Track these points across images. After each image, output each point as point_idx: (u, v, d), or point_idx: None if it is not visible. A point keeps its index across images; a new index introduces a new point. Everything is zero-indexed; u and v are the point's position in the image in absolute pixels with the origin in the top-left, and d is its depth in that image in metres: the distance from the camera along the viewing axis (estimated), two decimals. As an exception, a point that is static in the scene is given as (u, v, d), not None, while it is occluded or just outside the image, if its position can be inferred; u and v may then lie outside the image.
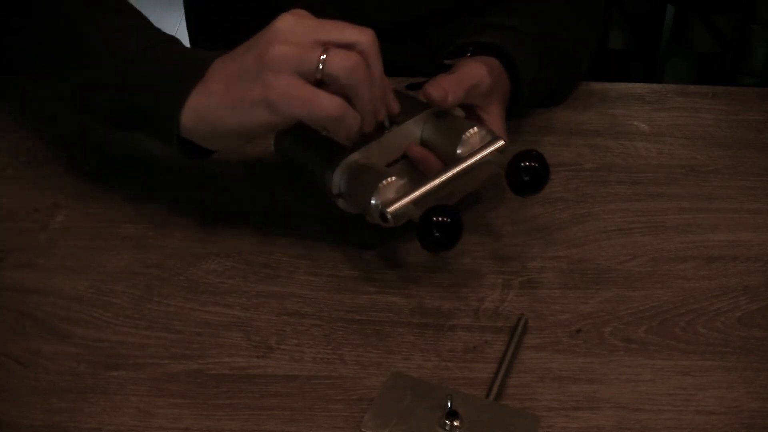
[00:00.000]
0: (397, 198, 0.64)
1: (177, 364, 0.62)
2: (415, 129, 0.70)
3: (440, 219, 0.60)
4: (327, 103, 0.61)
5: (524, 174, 0.64)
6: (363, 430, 0.56)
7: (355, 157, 0.67)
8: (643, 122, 0.86)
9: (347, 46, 0.62)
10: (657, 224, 0.74)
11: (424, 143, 0.70)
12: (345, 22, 0.63)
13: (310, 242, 0.72)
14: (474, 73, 0.71)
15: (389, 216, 0.63)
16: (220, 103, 0.64)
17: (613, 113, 0.88)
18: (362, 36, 0.62)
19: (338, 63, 0.61)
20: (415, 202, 0.64)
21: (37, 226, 0.74)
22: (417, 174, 0.68)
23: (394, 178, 0.64)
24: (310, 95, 0.61)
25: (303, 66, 0.61)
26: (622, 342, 0.64)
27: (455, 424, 0.56)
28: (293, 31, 0.62)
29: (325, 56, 0.61)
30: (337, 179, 0.67)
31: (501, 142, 0.67)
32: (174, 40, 0.72)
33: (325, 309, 0.67)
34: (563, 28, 0.85)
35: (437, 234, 0.60)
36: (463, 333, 0.65)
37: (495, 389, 0.59)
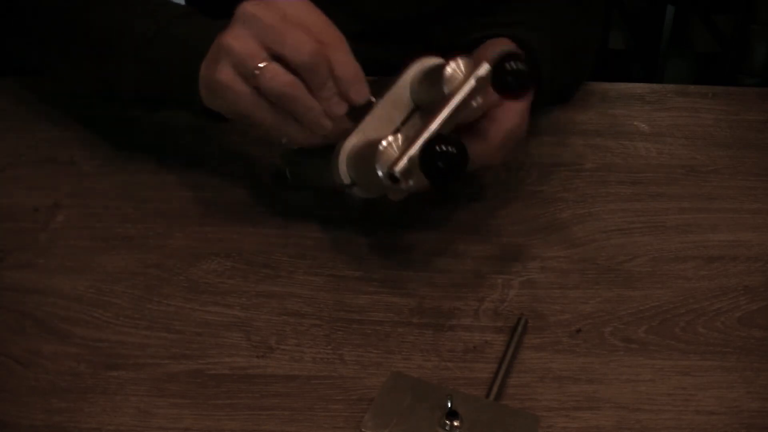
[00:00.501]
0: (400, 155, 0.60)
1: (177, 364, 0.62)
2: (403, 93, 0.67)
3: (444, 149, 0.57)
4: (255, 110, 0.62)
5: (509, 76, 0.61)
6: (363, 430, 0.56)
7: (352, 140, 0.65)
8: (643, 122, 0.86)
9: (289, 58, 0.61)
10: (657, 224, 0.74)
11: (417, 104, 0.67)
12: (298, 29, 0.62)
13: (310, 242, 0.72)
14: (508, 124, 0.69)
15: (397, 174, 0.60)
16: (202, 83, 0.66)
17: (613, 113, 0.88)
18: (303, 49, 0.61)
19: (268, 81, 0.61)
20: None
21: (37, 226, 0.74)
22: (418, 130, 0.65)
23: (389, 139, 0.61)
24: (239, 95, 0.62)
25: (241, 68, 0.62)
26: (622, 342, 0.64)
27: (455, 424, 0.56)
28: (250, 25, 0.62)
29: (259, 69, 0.61)
30: (344, 169, 0.65)
31: (484, 66, 0.63)
32: (186, 15, 0.72)
33: (325, 309, 0.67)
34: (569, 26, 0.85)
35: (441, 165, 0.57)
36: (463, 333, 0.65)
37: (495, 389, 0.59)
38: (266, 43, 0.62)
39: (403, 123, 0.67)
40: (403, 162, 0.60)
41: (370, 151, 0.63)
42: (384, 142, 0.61)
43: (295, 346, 0.64)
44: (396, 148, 0.61)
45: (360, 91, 0.64)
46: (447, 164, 0.58)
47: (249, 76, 0.62)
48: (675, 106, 0.89)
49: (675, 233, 0.74)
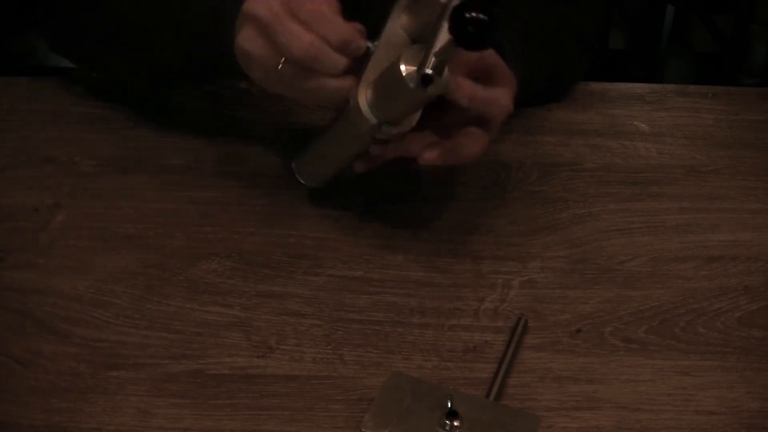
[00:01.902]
0: (423, 59, 0.61)
1: (177, 364, 0.62)
2: (396, 32, 0.67)
3: (474, 15, 0.57)
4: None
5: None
6: (363, 430, 0.56)
7: (363, 88, 0.65)
8: (643, 122, 0.86)
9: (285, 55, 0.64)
10: (657, 224, 0.74)
11: (413, 37, 0.67)
12: (291, 23, 0.63)
13: (310, 242, 0.72)
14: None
15: (430, 72, 0.60)
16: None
17: (613, 113, 0.88)
18: (295, 45, 0.63)
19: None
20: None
21: (37, 226, 0.73)
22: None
23: (404, 55, 0.62)
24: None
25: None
26: (622, 342, 0.64)
27: (455, 424, 0.56)
28: (250, 25, 0.65)
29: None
30: (367, 110, 0.65)
31: None
32: None
33: (325, 309, 0.67)
34: (558, 22, 0.84)
35: (471, 29, 0.57)
36: (463, 333, 0.65)
37: (495, 389, 0.59)
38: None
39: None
40: (431, 59, 0.61)
41: (389, 80, 0.63)
42: (401, 59, 0.62)
43: (295, 346, 0.64)
44: (413, 55, 0.62)
45: (358, 48, 0.65)
46: (478, 28, 0.58)
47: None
48: (675, 106, 0.89)
49: (675, 233, 0.74)
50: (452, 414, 0.56)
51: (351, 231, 0.73)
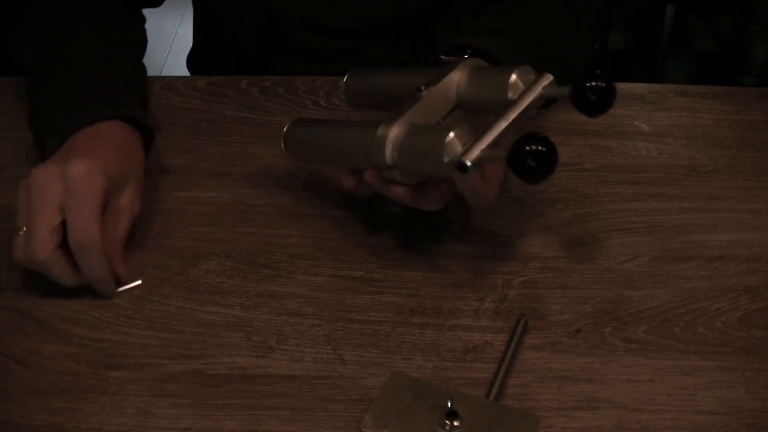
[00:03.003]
0: (468, 146, 0.61)
1: (177, 364, 0.62)
2: (449, 88, 0.68)
3: (534, 147, 0.58)
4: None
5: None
6: (363, 430, 0.56)
7: (397, 127, 0.65)
8: (643, 122, 0.86)
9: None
10: (657, 224, 0.74)
11: (461, 100, 0.68)
12: (41, 224, 0.65)
13: (310, 242, 0.72)
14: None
15: (469, 164, 0.60)
16: None
17: (613, 113, 0.87)
18: (39, 249, 0.65)
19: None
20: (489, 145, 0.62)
21: (37, 226, 0.73)
22: (470, 125, 0.66)
23: (456, 131, 0.62)
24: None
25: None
26: (622, 342, 0.64)
27: (455, 424, 0.56)
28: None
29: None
30: (389, 151, 0.65)
31: (549, 78, 0.65)
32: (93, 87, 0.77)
33: (325, 309, 0.67)
34: (558, 33, 0.84)
35: (532, 163, 0.58)
36: (463, 333, 0.65)
37: (495, 389, 0.59)
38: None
39: (444, 117, 0.68)
40: (476, 153, 0.61)
41: (427, 138, 0.63)
42: (451, 134, 0.62)
43: (295, 346, 0.64)
44: (461, 139, 0.62)
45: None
46: (538, 162, 0.59)
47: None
48: (675, 106, 0.89)
49: (675, 233, 0.74)
50: (452, 414, 0.56)
51: (351, 231, 0.73)
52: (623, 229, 0.74)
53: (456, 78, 0.68)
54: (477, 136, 0.62)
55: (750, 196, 0.78)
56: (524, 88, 0.65)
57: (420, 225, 0.74)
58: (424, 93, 0.66)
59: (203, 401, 0.60)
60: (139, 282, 0.68)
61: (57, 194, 0.64)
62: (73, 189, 0.64)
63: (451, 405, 0.56)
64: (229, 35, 0.97)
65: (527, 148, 0.59)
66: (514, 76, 0.65)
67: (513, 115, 0.63)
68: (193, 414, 0.59)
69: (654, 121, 0.86)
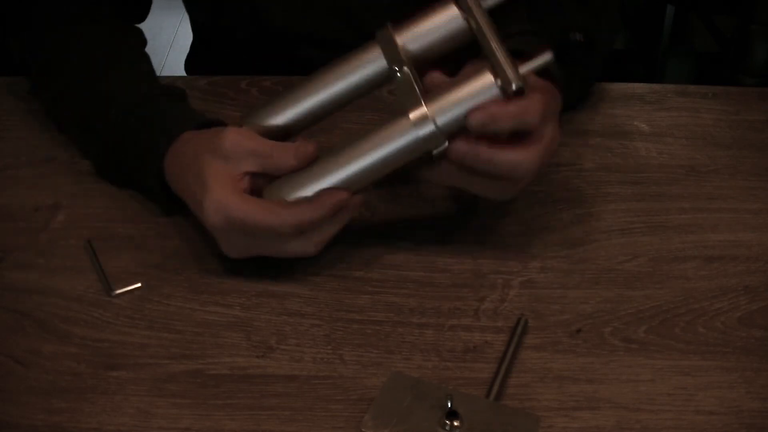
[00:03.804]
0: (507, 74, 0.61)
1: (177, 364, 0.62)
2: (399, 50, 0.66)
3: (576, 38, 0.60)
4: None
5: None
6: (363, 430, 0.56)
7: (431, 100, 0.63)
8: (643, 122, 0.86)
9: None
10: (657, 224, 0.74)
11: (416, 55, 0.66)
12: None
13: (310, 242, 0.72)
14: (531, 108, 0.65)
15: (521, 85, 0.61)
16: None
17: (613, 113, 0.87)
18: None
19: None
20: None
21: (37, 226, 0.73)
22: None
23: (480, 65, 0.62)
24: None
25: None
26: (622, 342, 0.64)
27: (455, 424, 0.56)
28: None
29: None
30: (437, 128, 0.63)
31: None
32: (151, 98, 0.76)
33: (325, 309, 0.67)
34: (578, 29, 0.83)
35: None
36: (463, 333, 0.65)
37: (495, 389, 0.59)
38: None
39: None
40: (522, 71, 0.61)
41: (464, 90, 0.63)
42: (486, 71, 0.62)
43: (295, 346, 0.64)
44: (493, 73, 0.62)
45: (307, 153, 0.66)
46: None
47: None
48: (675, 106, 0.89)
49: (675, 233, 0.74)
50: (452, 414, 0.56)
51: (351, 231, 0.73)
52: (623, 229, 0.74)
53: (400, 41, 0.66)
54: (499, 62, 0.61)
55: (750, 196, 0.78)
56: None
57: (420, 225, 0.74)
58: (406, 70, 0.65)
59: (203, 401, 0.60)
60: (138, 284, 0.68)
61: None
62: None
63: (451, 405, 0.56)
64: (225, 47, 0.97)
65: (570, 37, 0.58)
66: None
67: (494, 35, 0.63)
68: (193, 414, 0.59)
69: (654, 121, 0.86)
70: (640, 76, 2.37)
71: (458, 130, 0.63)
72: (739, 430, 0.58)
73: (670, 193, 0.78)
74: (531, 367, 0.62)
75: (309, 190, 0.65)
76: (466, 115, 0.62)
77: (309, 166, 0.65)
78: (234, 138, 0.66)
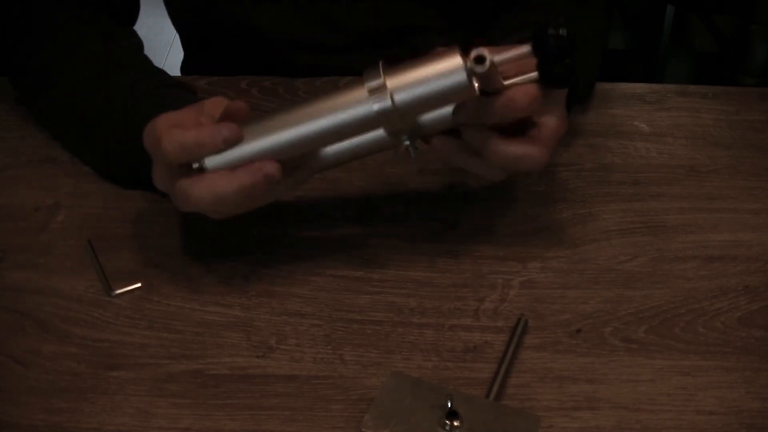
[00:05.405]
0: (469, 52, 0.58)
1: (177, 364, 0.62)
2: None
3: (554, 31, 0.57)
4: None
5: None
6: (363, 430, 0.56)
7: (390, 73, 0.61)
8: (643, 122, 0.86)
9: None
10: (657, 224, 0.74)
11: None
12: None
13: (310, 242, 0.72)
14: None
15: (486, 55, 0.57)
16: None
17: (613, 113, 0.88)
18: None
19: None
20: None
21: (37, 226, 0.74)
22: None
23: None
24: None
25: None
26: (622, 342, 0.64)
27: (455, 424, 0.56)
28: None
29: None
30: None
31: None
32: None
33: (325, 309, 0.67)
34: (585, 26, 0.83)
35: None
36: (463, 333, 0.65)
37: (495, 389, 0.59)
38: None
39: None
40: (497, 59, 0.58)
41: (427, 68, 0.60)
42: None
43: (295, 346, 0.64)
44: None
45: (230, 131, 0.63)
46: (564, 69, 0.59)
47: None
48: (675, 106, 0.89)
49: (675, 233, 0.74)
50: (452, 414, 0.56)
51: (351, 231, 0.73)
52: (623, 229, 0.74)
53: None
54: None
55: (750, 196, 0.78)
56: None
57: (420, 225, 0.74)
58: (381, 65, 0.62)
59: (203, 401, 0.60)
60: (138, 284, 0.68)
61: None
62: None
63: (451, 405, 0.56)
64: (216, 54, 0.98)
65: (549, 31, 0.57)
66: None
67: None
68: (193, 414, 0.59)
69: (654, 121, 0.86)
70: (640, 76, 2.37)
71: (417, 106, 0.61)
72: (739, 430, 0.58)
73: (670, 193, 0.78)
74: (531, 367, 0.62)
75: (249, 148, 0.62)
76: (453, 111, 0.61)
77: (257, 121, 0.63)
78: (152, 141, 0.64)
